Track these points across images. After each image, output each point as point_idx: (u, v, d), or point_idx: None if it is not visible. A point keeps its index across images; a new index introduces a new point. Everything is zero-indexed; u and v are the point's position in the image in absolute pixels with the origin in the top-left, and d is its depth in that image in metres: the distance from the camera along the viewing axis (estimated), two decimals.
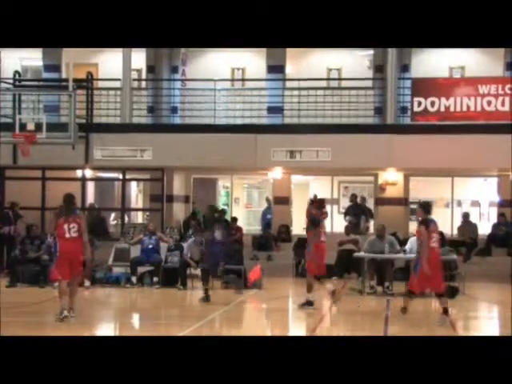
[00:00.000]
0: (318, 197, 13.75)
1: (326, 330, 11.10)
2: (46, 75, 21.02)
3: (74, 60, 19.40)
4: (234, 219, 19.82)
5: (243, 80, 21.77)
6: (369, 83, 20.17)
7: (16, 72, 18.84)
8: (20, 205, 18.55)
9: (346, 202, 21.11)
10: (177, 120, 21.09)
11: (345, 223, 19.76)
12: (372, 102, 19.74)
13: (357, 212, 20.18)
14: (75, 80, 17.34)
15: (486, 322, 12.61)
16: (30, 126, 16.44)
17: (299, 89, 19.49)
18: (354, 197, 20.48)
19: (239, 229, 19.51)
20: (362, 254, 15.53)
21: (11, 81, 18.97)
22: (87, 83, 18.90)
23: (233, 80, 21.71)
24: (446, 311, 10.91)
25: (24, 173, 19.14)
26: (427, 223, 10.97)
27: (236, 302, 13.72)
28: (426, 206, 11.21)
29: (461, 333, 10.70)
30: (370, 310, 13.02)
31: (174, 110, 21.08)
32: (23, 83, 19.67)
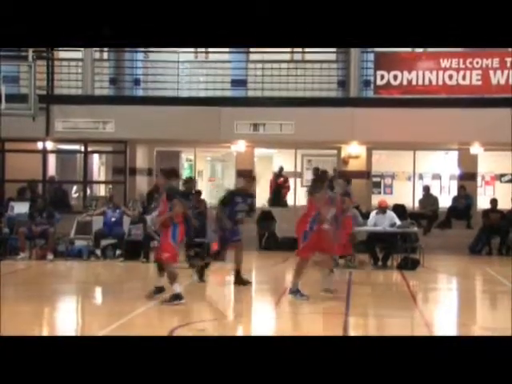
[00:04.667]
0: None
1: (286, 304, 11.19)
2: None
3: None
4: (198, 192, 19.74)
5: (206, 52, 21.58)
6: (332, 56, 20.14)
7: None
8: None
9: (309, 176, 21.17)
10: (139, 92, 20.86)
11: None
12: (335, 76, 19.73)
13: None
14: (35, 50, 17.00)
15: (445, 294, 12.81)
16: None
17: (263, 62, 19.39)
18: (316, 170, 20.54)
19: (203, 202, 19.45)
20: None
21: None
22: (47, 54, 18.57)
23: (196, 52, 21.50)
24: None
25: None
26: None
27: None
28: (169, 173, 10.99)
29: (420, 305, 10.86)
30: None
31: (136, 81, 20.83)
32: None
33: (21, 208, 17.02)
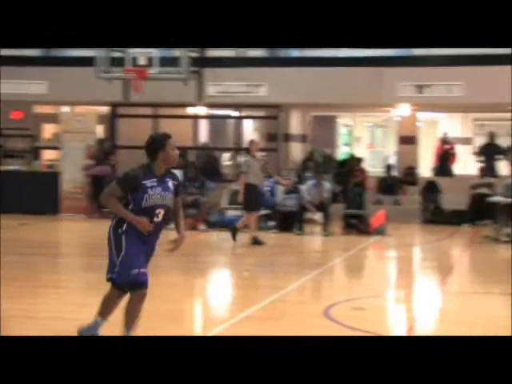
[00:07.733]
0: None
1: (454, 283, 10.84)
2: None
3: None
4: (359, 160, 19.52)
5: None
6: None
7: None
8: (109, 142, 18.87)
9: (480, 142, 20.39)
10: (295, 53, 20.80)
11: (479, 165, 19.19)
12: None
13: (491, 152, 19.45)
14: None
15: None
16: (142, 61, 16.65)
17: None
18: (491, 135, 19.68)
19: (362, 171, 19.25)
20: (496, 198, 15.06)
21: None
22: None
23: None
24: None
25: (135, 110, 19.53)
26: None
27: (357, 248, 13.59)
28: None
29: None
30: (505, 260, 12.58)
31: None
32: None
33: None
